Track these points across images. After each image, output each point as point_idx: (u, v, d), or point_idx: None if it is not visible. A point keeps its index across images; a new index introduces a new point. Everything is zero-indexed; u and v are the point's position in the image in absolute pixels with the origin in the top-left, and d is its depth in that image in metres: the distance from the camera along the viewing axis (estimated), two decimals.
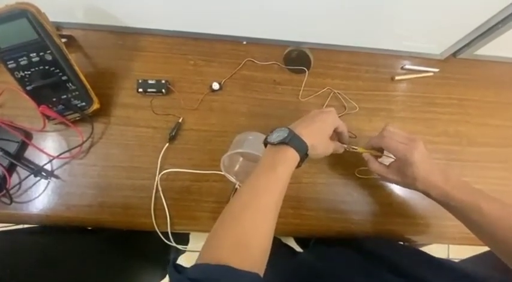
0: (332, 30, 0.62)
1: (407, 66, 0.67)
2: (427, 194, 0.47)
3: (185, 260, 0.98)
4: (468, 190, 0.45)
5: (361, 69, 0.66)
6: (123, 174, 0.57)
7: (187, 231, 0.58)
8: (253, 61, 0.64)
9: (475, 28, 0.59)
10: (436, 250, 0.62)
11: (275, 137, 0.44)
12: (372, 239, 0.58)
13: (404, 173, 0.47)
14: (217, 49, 0.64)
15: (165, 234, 0.57)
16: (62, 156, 0.56)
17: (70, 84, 0.52)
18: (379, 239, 0.58)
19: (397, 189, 0.61)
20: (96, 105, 0.56)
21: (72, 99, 0.54)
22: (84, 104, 0.55)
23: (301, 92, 0.63)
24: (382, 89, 0.65)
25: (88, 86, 0.55)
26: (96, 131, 0.58)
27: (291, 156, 0.43)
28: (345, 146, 0.53)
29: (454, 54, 0.68)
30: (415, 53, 0.67)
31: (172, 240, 0.57)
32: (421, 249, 0.57)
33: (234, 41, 0.64)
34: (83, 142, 0.56)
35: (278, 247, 0.88)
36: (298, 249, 0.92)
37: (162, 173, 0.57)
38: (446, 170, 0.47)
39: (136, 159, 0.58)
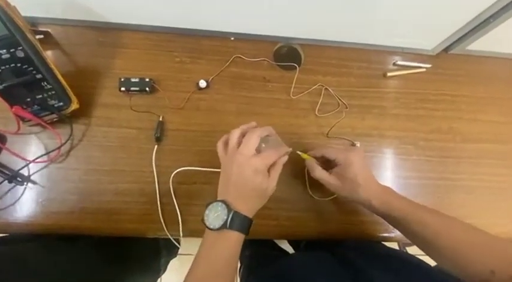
0: (323, 26, 0.60)
1: (399, 62, 0.65)
2: (369, 203, 0.46)
3: (178, 264, 0.96)
4: (407, 202, 0.45)
5: (353, 65, 0.64)
6: (106, 178, 0.54)
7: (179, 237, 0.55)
8: (241, 58, 0.61)
9: (466, 23, 0.58)
10: None
11: (213, 218, 0.41)
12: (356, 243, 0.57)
13: (345, 176, 0.46)
14: (204, 45, 0.61)
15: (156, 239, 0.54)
16: (39, 160, 0.53)
17: (45, 83, 0.49)
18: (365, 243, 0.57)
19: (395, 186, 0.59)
20: (75, 105, 0.53)
21: (48, 99, 0.50)
22: (61, 104, 0.51)
23: (292, 89, 0.61)
24: (374, 85, 0.64)
25: (66, 85, 0.52)
26: (75, 132, 0.55)
27: (235, 240, 0.42)
28: (290, 149, 0.49)
29: (446, 50, 0.67)
30: (407, 49, 0.66)
31: (162, 245, 0.54)
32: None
33: (222, 37, 0.62)
34: (62, 145, 0.53)
35: (270, 250, 0.87)
36: (291, 250, 0.90)
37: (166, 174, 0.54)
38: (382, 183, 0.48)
39: (120, 162, 0.55)
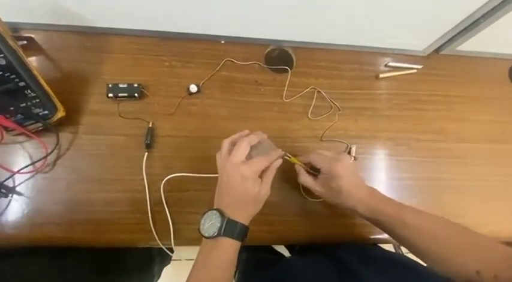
0: (314, 28, 0.59)
1: (391, 64, 0.65)
2: (354, 210, 0.46)
3: (172, 271, 0.94)
4: (392, 204, 0.45)
5: (345, 67, 0.64)
6: (95, 187, 0.52)
7: (178, 246, 0.54)
8: (232, 61, 0.60)
9: (457, 23, 0.58)
10: None
11: (208, 226, 0.42)
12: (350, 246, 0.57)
13: (330, 186, 0.46)
14: (194, 49, 0.60)
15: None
16: (24, 170, 0.51)
17: (29, 91, 0.47)
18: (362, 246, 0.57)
19: (386, 190, 0.59)
20: (61, 113, 0.51)
21: (32, 108, 0.48)
22: (46, 112, 0.50)
23: (284, 92, 0.60)
24: (366, 87, 0.64)
25: (50, 93, 0.50)
26: (62, 141, 0.53)
27: (230, 248, 0.42)
28: (282, 153, 0.48)
29: (437, 51, 0.67)
30: (399, 50, 0.66)
31: (155, 253, 0.53)
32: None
33: (212, 40, 0.61)
34: (48, 154, 0.51)
35: (266, 253, 0.86)
36: (287, 253, 0.90)
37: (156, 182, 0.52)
38: (371, 186, 0.48)
39: (109, 171, 0.53)
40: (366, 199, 0.45)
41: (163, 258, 0.85)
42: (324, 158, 0.47)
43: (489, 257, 0.38)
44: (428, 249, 0.41)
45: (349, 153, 0.59)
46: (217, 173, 0.46)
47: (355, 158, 0.57)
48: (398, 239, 0.45)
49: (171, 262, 0.93)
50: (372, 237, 0.57)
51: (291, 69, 0.61)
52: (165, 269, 0.93)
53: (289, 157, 0.50)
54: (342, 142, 0.60)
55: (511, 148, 0.65)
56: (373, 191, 0.47)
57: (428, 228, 0.42)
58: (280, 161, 0.47)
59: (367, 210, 0.45)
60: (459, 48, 0.65)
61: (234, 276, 0.79)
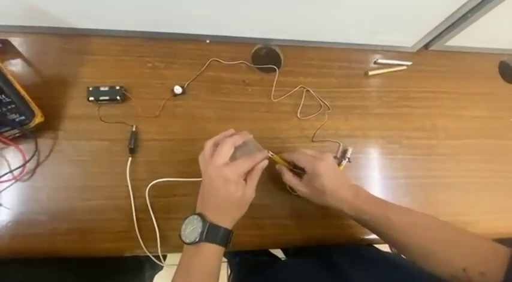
0: (302, 26, 0.58)
1: (380, 61, 0.64)
2: (341, 210, 0.45)
3: (166, 275, 0.92)
4: (377, 203, 0.44)
5: (334, 65, 0.63)
6: (77, 195, 0.50)
7: (163, 253, 0.52)
8: (218, 61, 0.59)
9: (444, 18, 0.57)
10: None
11: (189, 232, 0.40)
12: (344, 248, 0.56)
13: (313, 185, 0.45)
14: (178, 49, 0.58)
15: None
16: (2, 178, 0.49)
17: (3, 96, 0.45)
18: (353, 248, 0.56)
19: (378, 190, 0.58)
20: (39, 119, 0.49)
21: (8, 114, 0.46)
22: (23, 118, 0.47)
23: (272, 92, 0.59)
24: (356, 85, 0.63)
25: (27, 97, 0.48)
26: (41, 147, 0.51)
27: (213, 254, 0.40)
28: (267, 154, 0.46)
29: (426, 46, 0.66)
30: (388, 47, 0.65)
31: (145, 259, 0.51)
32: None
33: (196, 39, 0.59)
34: (26, 162, 0.49)
35: (260, 256, 0.84)
36: (281, 254, 0.88)
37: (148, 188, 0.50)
38: (356, 185, 0.47)
39: (92, 177, 0.51)
40: (350, 198, 0.44)
41: (153, 264, 0.83)
42: (307, 157, 0.46)
43: (476, 254, 0.37)
44: (414, 247, 0.41)
45: (344, 154, 0.58)
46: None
47: (349, 160, 0.56)
48: (386, 238, 0.44)
49: (165, 267, 0.91)
50: (366, 237, 0.56)
51: (278, 68, 0.59)
52: (158, 274, 0.91)
53: (272, 155, 0.48)
54: (334, 141, 0.58)
55: (503, 144, 0.65)
56: (358, 189, 0.46)
57: (414, 226, 0.41)
58: (265, 163, 0.45)
59: (352, 209, 0.44)
60: (448, 43, 0.64)
61: (228, 280, 0.77)
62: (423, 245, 0.40)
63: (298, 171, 0.49)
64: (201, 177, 0.44)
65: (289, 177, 0.48)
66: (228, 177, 0.40)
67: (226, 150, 0.41)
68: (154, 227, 0.50)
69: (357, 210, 0.44)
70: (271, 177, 0.54)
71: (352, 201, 0.44)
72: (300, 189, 0.47)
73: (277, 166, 0.50)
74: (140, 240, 0.49)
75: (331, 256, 0.52)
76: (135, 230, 0.50)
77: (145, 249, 0.49)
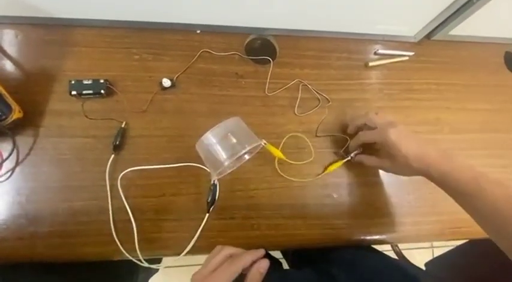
0: (297, 14, 0.55)
1: (380, 51, 0.61)
2: (428, 175, 0.42)
3: (161, 279, 0.89)
4: (469, 170, 0.40)
5: (332, 56, 0.60)
6: (58, 196, 0.47)
7: (151, 257, 0.49)
8: (210, 52, 0.55)
9: (448, 5, 0.54)
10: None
11: None
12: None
13: (393, 157, 0.44)
14: (167, 40, 0.55)
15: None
16: None
17: None
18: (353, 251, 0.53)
19: (380, 187, 0.55)
20: (16, 115, 0.46)
21: None
22: None
23: (267, 85, 0.55)
24: (355, 77, 0.59)
25: (3, 92, 0.45)
26: (20, 145, 0.47)
27: None
28: (263, 142, 0.47)
29: (428, 36, 0.63)
30: (388, 36, 0.62)
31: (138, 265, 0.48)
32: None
33: (186, 30, 0.55)
34: (3, 160, 0.46)
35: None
36: (280, 256, 0.85)
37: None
38: (444, 148, 0.45)
39: (74, 177, 0.48)
40: (436, 162, 0.41)
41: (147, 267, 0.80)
42: (373, 133, 0.46)
43: None
44: (502, 229, 0.36)
45: (348, 151, 0.54)
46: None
47: (352, 159, 0.52)
48: (472, 213, 0.40)
49: (162, 269, 0.87)
50: (366, 238, 0.53)
51: (273, 59, 0.56)
52: (153, 277, 0.87)
53: (265, 144, 0.47)
54: (341, 135, 0.54)
55: (509, 138, 0.61)
56: (445, 152, 0.42)
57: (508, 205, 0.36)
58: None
59: (439, 173, 0.41)
60: (452, 32, 0.61)
61: None
62: None
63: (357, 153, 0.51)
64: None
65: (370, 161, 0.49)
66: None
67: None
68: (141, 230, 0.47)
69: (445, 175, 0.41)
70: (264, 173, 0.51)
71: (439, 165, 0.41)
72: (385, 166, 0.47)
73: (353, 158, 0.51)
74: (119, 244, 0.46)
75: (329, 269, 0.49)
76: (116, 233, 0.46)
77: (126, 254, 0.46)
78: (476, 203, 0.38)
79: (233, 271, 0.36)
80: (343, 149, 0.54)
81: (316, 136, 0.55)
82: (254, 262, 0.38)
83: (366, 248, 0.56)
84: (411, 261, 0.78)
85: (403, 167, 0.44)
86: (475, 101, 0.62)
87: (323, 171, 0.53)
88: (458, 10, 0.55)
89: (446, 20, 0.58)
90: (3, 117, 0.45)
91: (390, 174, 0.55)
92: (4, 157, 0.46)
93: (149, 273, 0.87)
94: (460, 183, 0.39)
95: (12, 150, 0.46)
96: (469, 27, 0.59)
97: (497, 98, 0.63)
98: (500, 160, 0.60)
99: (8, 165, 0.47)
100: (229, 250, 0.39)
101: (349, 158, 0.52)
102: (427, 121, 0.60)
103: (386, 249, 0.72)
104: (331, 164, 0.53)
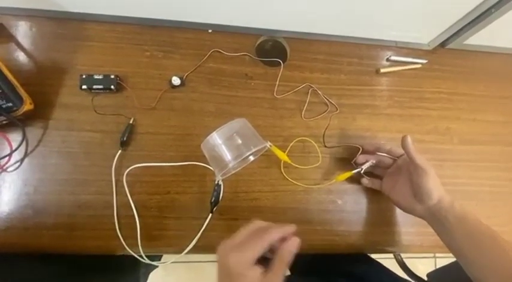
0: (310, 17, 0.54)
1: (393, 58, 0.60)
2: (438, 210, 0.44)
3: (162, 273, 0.90)
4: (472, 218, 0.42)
5: (343, 61, 0.59)
6: (65, 188, 0.47)
7: (152, 254, 0.50)
8: (220, 52, 0.55)
9: (465, 13, 0.53)
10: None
11: None
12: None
13: (419, 185, 0.44)
14: (178, 38, 0.55)
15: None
16: None
17: None
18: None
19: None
20: (27, 106, 0.46)
21: None
22: (10, 104, 0.45)
23: (276, 87, 0.55)
24: (366, 83, 0.59)
25: (16, 83, 0.45)
26: (29, 137, 0.48)
27: None
28: (268, 144, 0.46)
29: (443, 44, 0.62)
30: (402, 43, 0.61)
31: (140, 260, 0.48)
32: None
33: (198, 29, 0.55)
34: (12, 151, 0.46)
35: None
36: None
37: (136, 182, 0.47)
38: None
39: (81, 170, 0.48)
40: (446, 202, 0.44)
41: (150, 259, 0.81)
42: (415, 156, 0.45)
43: None
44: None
45: (356, 163, 0.53)
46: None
47: (362, 171, 0.51)
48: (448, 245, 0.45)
49: (163, 265, 0.88)
50: (367, 246, 0.53)
51: (284, 62, 0.56)
52: (154, 272, 0.88)
53: (271, 146, 0.46)
54: (355, 146, 0.52)
55: None
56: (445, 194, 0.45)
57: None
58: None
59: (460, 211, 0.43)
60: (467, 42, 0.60)
61: None
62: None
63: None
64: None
65: (376, 186, 0.51)
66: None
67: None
68: (144, 225, 0.47)
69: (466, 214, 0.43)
70: (274, 178, 0.51)
71: (447, 205, 0.43)
72: (396, 192, 0.48)
73: (363, 169, 0.50)
74: (121, 239, 0.46)
75: (338, 279, 0.49)
76: (119, 228, 0.47)
77: (128, 249, 0.47)
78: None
79: (259, 245, 0.34)
80: (354, 160, 0.52)
81: (325, 145, 0.54)
82: (283, 239, 0.36)
83: (376, 263, 0.55)
84: (413, 271, 0.77)
85: (422, 195, 0.45)
86: (487, 112, 0.61)
87: (334, 180, 0.52)
88: (475, 19, 0.54)
89: (462, 28, 0.57)
90: (15, 108, 0.45)
91: None
92: (14, 148, 0.47)
93: (150, 268, 0.88)
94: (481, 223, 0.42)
95: (22, 141, 0.47)
96: (485, 37, 0.58)
97: (510, 110, 0.62)
98: (507, 173, 0.59)
99: (16, 156, 0.47)
100: (258, 223, 0.38)
101: (360, 169, 0.50)
102: (437, 130, 0.59)
103: (388, 257, 0.72)
104: (342, 173, 0.51)
